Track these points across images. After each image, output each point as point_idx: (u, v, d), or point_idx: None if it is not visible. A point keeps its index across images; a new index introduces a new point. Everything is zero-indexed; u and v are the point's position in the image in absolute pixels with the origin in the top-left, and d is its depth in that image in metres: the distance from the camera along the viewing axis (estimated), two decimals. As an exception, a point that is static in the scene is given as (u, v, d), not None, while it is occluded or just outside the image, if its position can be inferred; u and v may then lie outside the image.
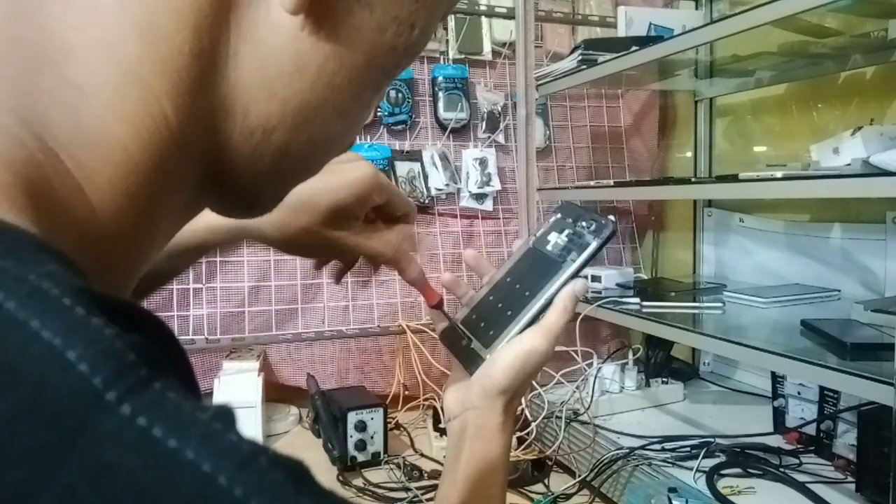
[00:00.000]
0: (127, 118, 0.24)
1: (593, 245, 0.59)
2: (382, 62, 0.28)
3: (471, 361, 0.59)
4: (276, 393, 1.64)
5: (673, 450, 1.20)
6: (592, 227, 0.60)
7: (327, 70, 0.27)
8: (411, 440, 1.50)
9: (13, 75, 0.23)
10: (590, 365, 1.41)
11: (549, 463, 1.33)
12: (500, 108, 1.81)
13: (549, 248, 0.62)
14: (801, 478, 1.08)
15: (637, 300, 1.36)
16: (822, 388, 1.17)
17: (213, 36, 0.25)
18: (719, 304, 1.35)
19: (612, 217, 0.61)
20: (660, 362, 1.53)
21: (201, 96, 0.26)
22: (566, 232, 0.62)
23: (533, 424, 1.36)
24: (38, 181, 0.22)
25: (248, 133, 0.27)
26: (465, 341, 0.61)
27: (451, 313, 0.66)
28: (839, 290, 1.37)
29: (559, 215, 0.64)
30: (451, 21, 1.77)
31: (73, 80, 0.23)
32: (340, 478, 1.32)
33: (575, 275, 0.59)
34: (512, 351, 0.57)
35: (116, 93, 0.24)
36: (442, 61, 1.78)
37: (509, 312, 0.59)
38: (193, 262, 0.59)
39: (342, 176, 0.55)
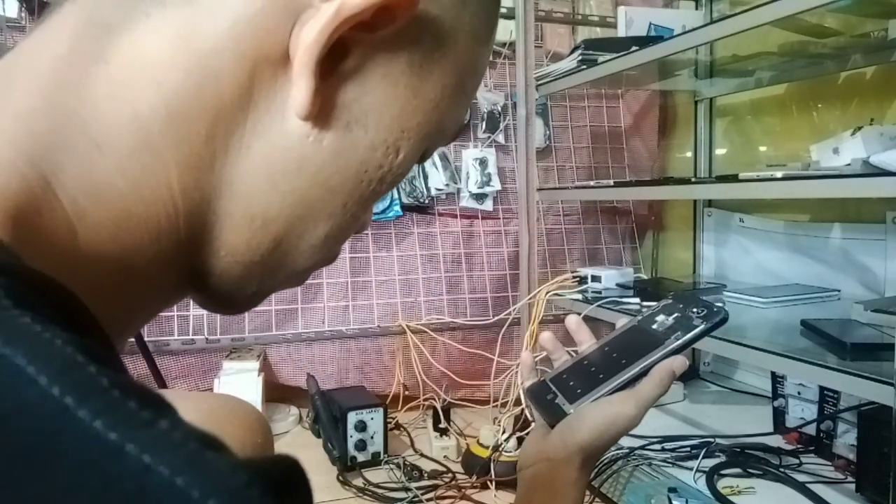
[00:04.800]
0: (133, 176, 0.28)
1: (701, 327, 0.59)
2: (370, 175, 0.33)
3: (553, 413, 0.59)
4: (276, 393, 1.64)
5: (673, 450, 1.20)
6: (703, 313, 0.60)
7: (324, 173, 0.32)
8: (411, 440, 1.50)
9: (44, 131, 0.27)
10: (590, 365, 1.41)
11: (549, 463, 1.33)
12: (500, 108, 1.81)
13: (654, 326, 0.62)
14: (801, 478, 1.08)
15: (637, 300, 1.36)
16: (822, 388, 1.17)
17: (227, 129, 0.29)
18: (719, 305, 1.35)
19: (724, 306, 0.62)
20: (660, 362, 1.53)
21: (208, 172, 0.30)
22: (675, 315, 0.62)
23: (533, 424, 1.36)
24: (26, 206, 0.25)
25: (250, 217, 0.31)
26: (551, 396, 0.61)
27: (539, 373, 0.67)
28: (839, 290, 1.37)
29: (671, 300, 0.64)
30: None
31: (96, 140, 0.27)
32: (340, 478, 1.32)
33: (676, 352, 0.58)
34: (601, 411, 0.56)
35: (130, 155, 0.28)
36: (442, 61, 1.78)
37: (601, 376, 0.59)
38: None
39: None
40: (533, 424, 0.63)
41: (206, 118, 0.29)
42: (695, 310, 0.61)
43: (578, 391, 0.59)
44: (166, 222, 0.29)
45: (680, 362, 0.57)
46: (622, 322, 0.66)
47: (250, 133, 0.30)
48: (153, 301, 0.33)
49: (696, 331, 0.58)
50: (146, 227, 0.29)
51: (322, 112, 0.30)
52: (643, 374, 0.57)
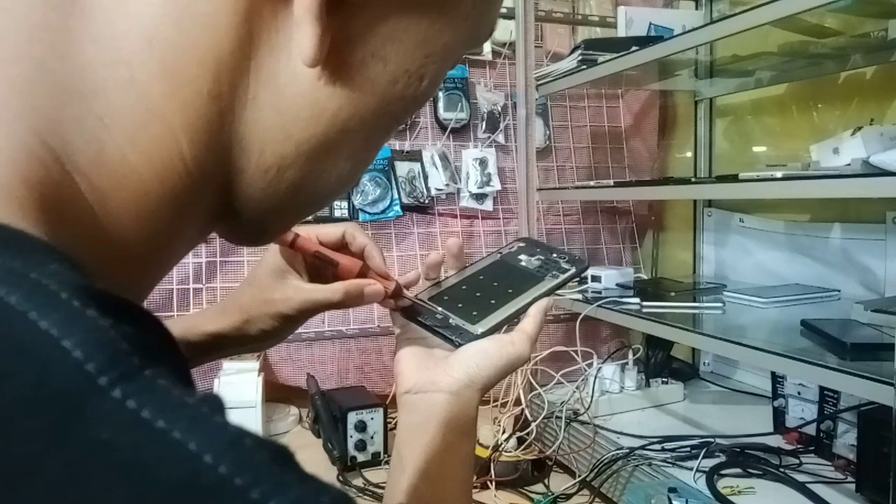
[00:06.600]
0: (144, 150, 0.26)
1: (572, 271, 0.66)
2: (393, 109, 0.30)
3: (453, 334, 0.59)
4: (276, 393, 1.64)
5: (673, 450, 1.20)
6: (567, 259, 0.67)
7: (341, 116, 0.29)
8: (411, 440, 1.50)
9: (42, 103, 0.25)
10: (590, 365, 1.41)
11: (549, 463, 1.33)
12: (500, 108, 1.81)
13: (522, 264, 0.67)
14: (801, 478, 1.08)
15: (637, 300, 1.36)
16: (822, 388, 1.17)
17: (231, 81, 0.27)
18: (719, 304, 1.35)
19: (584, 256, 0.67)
20: (660, 362, 1.53)
21: (218, 133, 0.27)
22: (537, 256, 0.68)
23: (533, 424, 1.36)
24: (52, 198, 0.24)
25: (264, 170, 0.29)
26: (441, 316, 0.61)
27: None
28: (839, 290, 1.37)
29: (523, 244, 0.70)
30: (451, 21, 1.76)
31: (98, 112, 0.25)
32: (340, 478, 1.32)
33: (552, 291, 0.63)
34: (505, 353, 0.58)
35: (138, 127, 0.26)
36: (442, 61, 1.78)
37: (493, 301, 0.62)
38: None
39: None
40: (402, 346, 0.61)
41: (207, 74, 0.26)
42: (555, 256, 0.67)
43: (474, 314, 0.61)
44: (184, 194, 0.27)
45: (550, 303, 0.63)
46: (480, 258, 0.70)
47: (255, 82, 0.27)
48: (179, 255, 0.32)
49: (569, 273, 0.65)
50: (166, 203, 0.27)
51: (333, 51, 0.26)
52: (532, 303, 0.62)
